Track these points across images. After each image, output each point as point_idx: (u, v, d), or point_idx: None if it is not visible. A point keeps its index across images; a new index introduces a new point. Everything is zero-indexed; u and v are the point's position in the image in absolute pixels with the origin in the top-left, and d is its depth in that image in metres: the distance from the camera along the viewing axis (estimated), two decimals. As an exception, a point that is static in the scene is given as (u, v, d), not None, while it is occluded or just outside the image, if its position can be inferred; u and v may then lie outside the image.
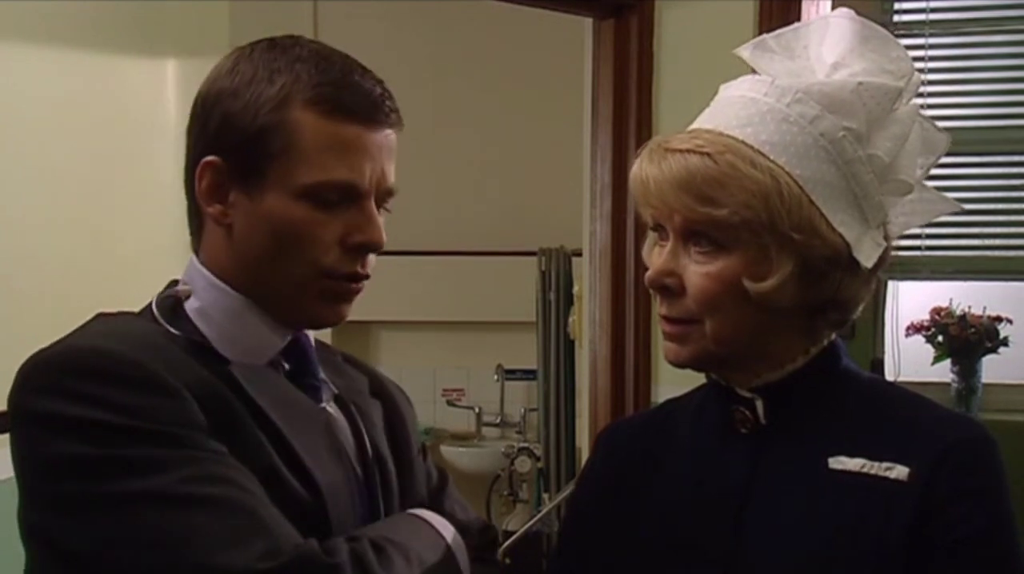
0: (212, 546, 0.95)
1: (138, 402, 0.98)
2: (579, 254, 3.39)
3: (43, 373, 1.01)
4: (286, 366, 1.14)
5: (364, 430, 1.18)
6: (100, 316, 1.11)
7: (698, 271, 1.09)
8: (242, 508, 0.98)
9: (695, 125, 1.13)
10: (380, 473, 1.17)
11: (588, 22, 3.00)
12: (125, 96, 2.82)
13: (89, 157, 2.66)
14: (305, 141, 1.06)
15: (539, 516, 3.86)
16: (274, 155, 1.06)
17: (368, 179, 1.08)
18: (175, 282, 1.14)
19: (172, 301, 1.11)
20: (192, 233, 1.14)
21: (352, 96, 1.07)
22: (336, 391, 1.19)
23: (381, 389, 1.26)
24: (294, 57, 1.08)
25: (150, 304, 1.11)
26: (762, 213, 1.06)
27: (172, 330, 1.07)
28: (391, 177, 1.11)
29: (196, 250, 1.14)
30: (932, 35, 3.39)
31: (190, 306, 1.11)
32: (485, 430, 4.96)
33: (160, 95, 2.90)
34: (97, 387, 0.98)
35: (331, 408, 1.17)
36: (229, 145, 1.07)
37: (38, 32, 2.50)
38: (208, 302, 1.10)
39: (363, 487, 1.15)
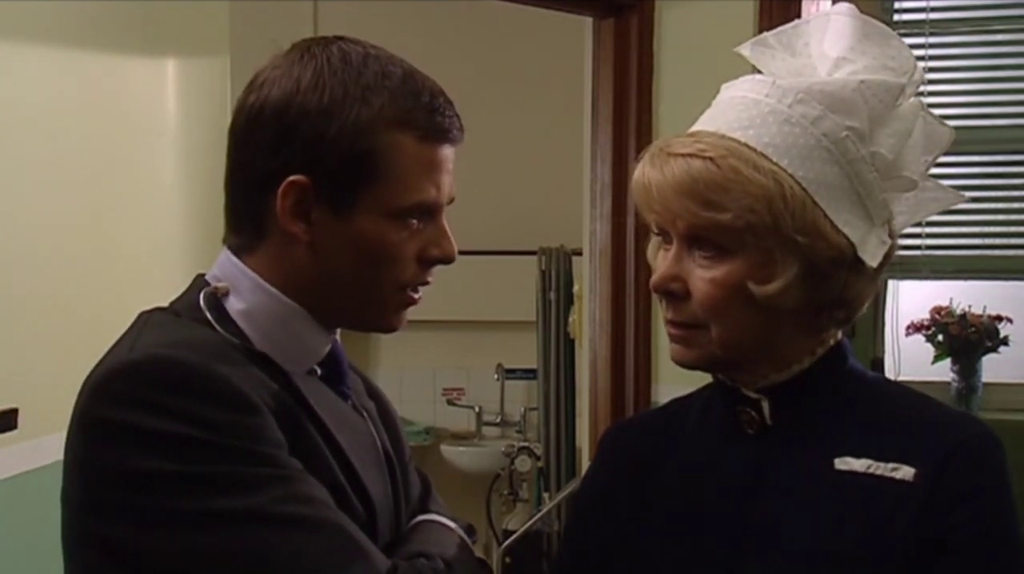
0: (316, 568, 0.95)
1: (224, 418, 0.97)
2: (579, 254, 3.39)
3: (122, 382, 0.98)
4: (318, 371, 1.13)
5: (377, 435, 1.18)
6: (145, 316, 1.09)
7: (703, 276, 1.09)
8: (337, 529, 0.98)
9: (696, 127, 1.13)
10: (391, 478, 1.17)
11: (588, 22, 3.00)
12: (125, 96, 2.82)
13: (89, 157, 2.66)
14: (403, 165, 1.06)
15: (539, 515, 3.86)
16: (371, 178, 1.05)
17: (446, 195, 1.10)
18: (202, 276, 1.12)
19: (215, 300, 1.08)
20: (240, 234, 1.10)
21: (441, 118, 1.08)
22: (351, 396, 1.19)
23: (373, 390, 1.26)
24: (380, 73, 1.07)
25: (194, 303, 1.08)
26: (766, 217, 1.06)
27: (231, 337, 1.05)
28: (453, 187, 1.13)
29: (237, 250, 1.10)
30: (932, 35, 3.39)
31: (232, 307, 1.08)
32: (485, 430, 4.96)
33: (160, 95, 2.90)
34: (182, 400, 0.96)
35: None
36: (320, 166, 1.04)
37: (38, 32, 2.50)
38: (255, 305, 1.08)
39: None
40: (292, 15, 4.46)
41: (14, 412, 2.34)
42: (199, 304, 1.07)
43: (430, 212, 1.09)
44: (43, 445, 2.32)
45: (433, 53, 5.04)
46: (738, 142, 1.08)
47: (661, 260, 1.13)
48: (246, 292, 1.08)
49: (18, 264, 2.41)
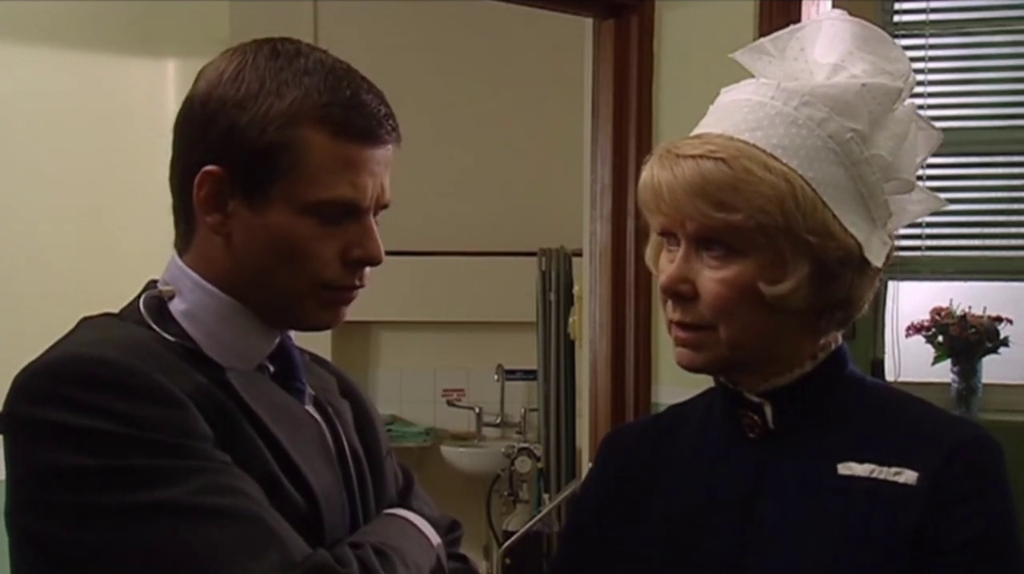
0: (228, 558, 0.95)
1: (142, 412, 0.97)
2: (579, 254, 3.39)
3: (41, 381, 1.00)
4: (271, 369, 1.14)
5: (342, 432, 1.18)
6: (85, 320, 1.10)
7: (712, 277, 1.09)
8: (253, 519, 0.98)
9: (701, 130, 1.12)
10: (357, 474, 1.17)
11: (588, 22, 3.00)
12: (125, 96, 2.82)
13: (89, 157, 2.66)
14: (312, 160, 1.05)
15: (539, 516, 3.86)
16: (280, 171, 1.05)
17: (369, 196, 1.09)
18: (154, 282, 1.13)
19: (157, 302, 1.09)
20: (179, 233, 1.12)
21: (360, 117, 1.07)
22: (312, 392, 1.19)
23: (349, 389, 1.26)
24: (301, 69, 1.06)
25: (135, 307, 1.09)
26: (778, 217, 1.06)
27: (165, 335, 1.06)
28: (388, 191, 1.11)
29: (179, 250, 1.12)
30: (932, 35, 3.39)
31: (175, 307, 1.09)
32: (485, 430, 4.96)
33: (160, 95, 2.90)
34: (99, 396, 0.97)
35: (311, 410, 1.17)
36: (233, 157, 1.05)
37: (38, 32, 2.50)
38: (196, 304, 1.09)
39: (346, 490, 1.15)
40: (292, 15, 4.46)
41: (14, 412, 2.34)
42: (139, 307, 1.09)
43: (349, 212, 1.08)
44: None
45: (433, 53, 5.09)
46: (747, 143, 1.08)
47: (666, 262, 1.13)
48: (187, 292, 1.09)
49: (18, 264, 2.41)
